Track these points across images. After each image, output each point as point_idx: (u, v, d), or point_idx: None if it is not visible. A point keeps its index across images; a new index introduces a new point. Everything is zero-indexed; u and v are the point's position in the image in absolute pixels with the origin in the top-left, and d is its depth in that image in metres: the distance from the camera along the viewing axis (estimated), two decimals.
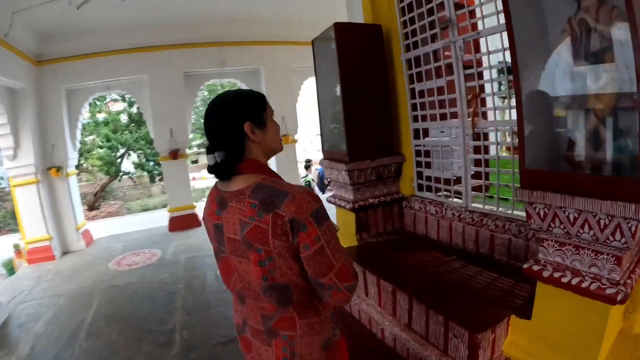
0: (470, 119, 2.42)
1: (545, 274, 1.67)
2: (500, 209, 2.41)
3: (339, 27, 2.88)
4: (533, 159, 1.70)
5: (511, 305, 1.97)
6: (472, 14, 2.38)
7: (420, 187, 3.14)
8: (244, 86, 7.98)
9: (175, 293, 4.42)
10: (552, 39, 1.71)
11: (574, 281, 1.58)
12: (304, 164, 12.27)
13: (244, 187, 1.12)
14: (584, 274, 1.58)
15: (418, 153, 3.08)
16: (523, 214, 2.24)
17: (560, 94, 1.69)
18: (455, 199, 2.77)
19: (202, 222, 1.57)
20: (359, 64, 3.00)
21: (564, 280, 1.61)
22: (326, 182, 12.04)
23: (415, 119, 3.04)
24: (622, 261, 1.48)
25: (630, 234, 1.40)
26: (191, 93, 7.74)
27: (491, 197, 2.52)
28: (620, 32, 1.48)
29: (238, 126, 1.15)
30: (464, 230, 2.66)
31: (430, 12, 2.66)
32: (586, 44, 1.59)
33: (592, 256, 1.56)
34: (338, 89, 3.16)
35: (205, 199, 1.88)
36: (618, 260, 1.48)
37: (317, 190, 12.81)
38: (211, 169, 1.19)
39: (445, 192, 2.88)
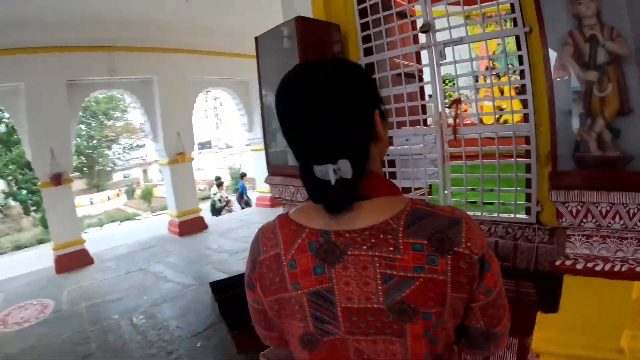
0: (451, 124, 2.49)
1: (579, 266, 1.79)
2: (484, 213, 2.53)
3: (301, 21, 2.60)
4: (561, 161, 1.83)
5: (528, 304, 2.06)
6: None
7: None
8: (134, 99, 6.78)
9: (91, 357, 3.31)
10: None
11: (607, 267, 1.75)
12: (215, 182, 11.49)
13: (386, 219, 0.74)
14: (612, 259, 1.76)
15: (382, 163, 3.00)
16: (508, 216, 2.42)
17: (571, 99, 1.88)
18: None
19: (259, 288, 0.87)
20: None
21: (597, 268, 1.76)
22: (246, 199, 11.23)
23: None
24: None
25: None
26: (75, 106, 6.33)
27: (473, 202, 2.63)
28: (621, 49, 1.73)
29: (369, 117, 0.79)
30: None
31: (403, 15, 2.66)
32: (593, 56, 1.80)
33: (617, 243, 1.75)
34: None
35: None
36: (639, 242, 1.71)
37: (237, 206, 11.82)
38: (326, 193, 0.75)
39: None
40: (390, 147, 2.98)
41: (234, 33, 7.24)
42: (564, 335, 1.89)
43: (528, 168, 2.27)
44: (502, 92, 4.57)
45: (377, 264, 0.71)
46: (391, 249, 0.71)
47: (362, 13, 2.83)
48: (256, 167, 9.48)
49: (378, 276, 0.71)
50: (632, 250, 1.72)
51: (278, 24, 2.76)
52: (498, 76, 7.04)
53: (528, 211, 2.34)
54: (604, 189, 1.68)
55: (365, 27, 2.84)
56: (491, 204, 2.51)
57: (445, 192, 2.60)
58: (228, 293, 3.69)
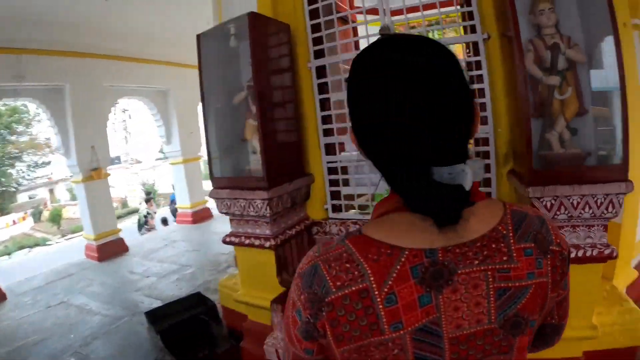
0: None
1: None
2: None
3: (255, 18, 2.35)
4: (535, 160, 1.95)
5: None
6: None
7: (335, 208, 2.95)
8: (43, 109, 5.83)
9: None
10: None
11: (580, 254, 1.91)
12: (145, 197, 10.08)
13: (494, 225, 0.64)
14: (582, 246, 1.93)
15: (331, 171, 2.90)
16: None
17: (534, 101, 2.02)
18: None
19: (330, 336, 0.64)
20: (272, 67, 2.57)
21: (572, 256, 1.92)
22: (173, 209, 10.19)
23: (327, 132, 2.85)
24: (607, 228, 1.92)
25: (620, 205, 1.83)
26: None
27: None
28: (578, 56, 1.94)
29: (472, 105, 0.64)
30: None
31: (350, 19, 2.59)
32: (554, 62, 1.97)
33: (586, 231, 1.93)
34: (240, 96, 2.60)
35: None
36: (605, 227, 1.91)
37: (159, 225, 10.78)
38: (444, 201, 0.58)
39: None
40: (344, 153, 2.91)
41: (154, 38, 6.53)
42: None
43: (487, 168, 2.39)
44: None
45: (491, 279, 0.61)
46: (505, 258, 0.62)
47: (313, 14, 2.70)
48: (176, 182, 8.64)
49: (491, 292, 0.61)
50: (599, 236, 1.91)
51: (225, 21, 2.47)
52: None
53: None
54: (576, 183, 1.82)
55: (316, 28, 2.72)
56: None
57: None
58: (168, 322, 3.14)
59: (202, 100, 2.68)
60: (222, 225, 7.18)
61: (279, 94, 2.64)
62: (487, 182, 2.41)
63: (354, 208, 2.95)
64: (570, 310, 0.79)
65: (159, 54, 7.16)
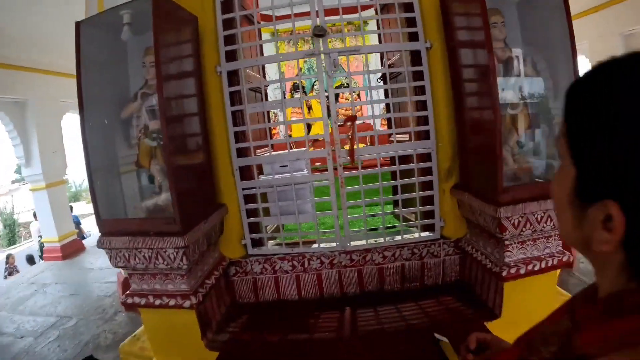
0: (346, 146, 2.20)
1: (522, 271, 1.87)
2: (387, 238, 2.34)
3: (160, 2, 1.71)
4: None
5: (465, 317, 2.01)
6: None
7: (256, 243, 2.42)
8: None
9: None
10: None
11: (543, 265, 1.89)
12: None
13: None
14: (542, 257, 1.92)
15: (248, 199, 2.37)
16: (411, 236, 2.33)
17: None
18: (322, 244, 2.37)
19: None
20: (177, 70, 1.95)
21: (536, 268, 1.88)
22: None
23: (241, 153, 2.32)
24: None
25: None
26: None
27: (374, 229, 2.39)
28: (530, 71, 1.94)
29: None
30: (340, 276, 2.33)
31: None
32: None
33: (545, 242, 1.93)
34: (131, 108, 1.91)
35: None
36: (560, 236, 1.95)
37: (23, 265, 8.09)
38: None
39: (303, 240, 2.39)
40: (263, 177, 2.44)
41: (11, 38, 5.05)
42: (508, 333, 1.93)
43: (429, 185, 2.26)
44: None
45: None
46: None
47: (227, 7, 2.18)
48: (39, 211, 6.85)
49: None
50: (556, 245, 1.94)
51: (114, 6, 1.75)
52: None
53: (431, 228, 2.34)
54: (541, 199, 1.79)
55: (229, 25, 2.20)
56: (393, 227, 2.38)
57: (341, 222, 2.29)
58: None
59: (81, 112, 1.88)
60: (98, 258, 6.22)
61: (184, 105, 2.03)
62: (428, 199, 2.28)
63: (279, 242, 2.49)
64: (531, 317, 0.72)
65: (16, 58, 5.65)
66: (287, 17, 2.17)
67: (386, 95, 2.55)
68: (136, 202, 1.99)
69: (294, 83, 7.60)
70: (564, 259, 1.91)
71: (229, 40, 2.23)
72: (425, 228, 2.33)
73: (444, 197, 2.27)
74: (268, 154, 2.51)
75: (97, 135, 2.00)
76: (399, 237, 2.33)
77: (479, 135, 1.94)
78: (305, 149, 2.29)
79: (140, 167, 1.97)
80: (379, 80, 3.00)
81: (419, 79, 2.15)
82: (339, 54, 2.13)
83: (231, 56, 2.25)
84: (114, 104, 1.97)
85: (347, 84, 6.48)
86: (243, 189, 2.34)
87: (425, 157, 2.24)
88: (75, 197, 18.55)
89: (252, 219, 2.37)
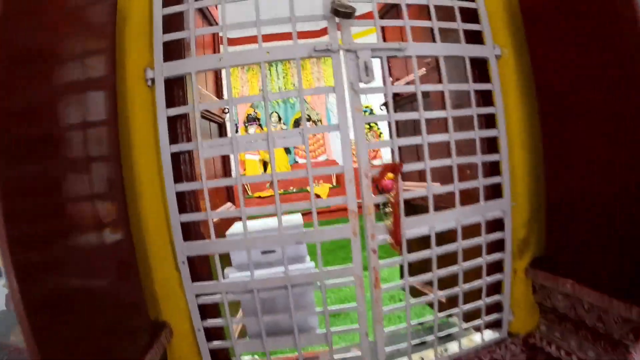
0: (386, 220, 1.30)
1: None
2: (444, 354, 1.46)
3: None
4: None
5: None
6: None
7: None
8: None
9: None
10: None
11: None
12: None
13: None
14: None
15: (207, 311, 1.31)
16: (470, 344, 1.50)
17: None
18: None
19: None
20: (65, 71, 0.91)
21: None
22: None
23: (190, 230, 1.27)
24: None
25: None
26: None
27: (422, 343, 1.50)
28: None
29: None
30: None
31: None
32: None
33: None
34: None
35: None
36: None
37: None
38: None
39: None
40: (232, 273, 1.42)
41: None
42: None
43: (496, 266, 1.48)
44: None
45: None
46: None
47: None
48: None
49: None
50: None
51: None
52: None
53: (497, 325, 1.55)
54: None
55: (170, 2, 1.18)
56: (448, 336, 1.52)
57: (371, 337, 1.37)
58: None
59: None
60: None
61: (80, 141, 0.98)
62: (494, 287, 1.49)
63: None
64: None
65: None
66: None
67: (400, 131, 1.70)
68: None
69: (248, 114, 6.19)
70: None
71: (172, 23, 1.20)
72: (487, 326, 1.54)
73: (515, 280, 1.51)
74: (235, 227, 1.49)
75: None
76: (454, 348, 1.49)
77: (605, 179, 1.21)
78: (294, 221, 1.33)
79: None
80: (382, 108, 2.13)
81: (484, 102, 1.37)
82: (372, 53, 1.23)
83: (173, 52, 1.22)
84: None
85: (371, 109, 5.43)
86: (197, 296, 1.29)
87: (494, 225, 1.45)
88: None
89: (216, 344, 1.33)
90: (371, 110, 5.35)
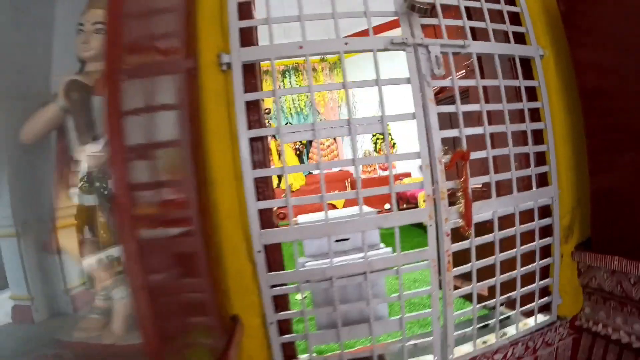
0: (458, 204, 1.34)
1: None
2: (502, 337, 1.50)
3: None
4: None
5: None
6: None
7: None
8: None
9: None
10: None
11: None
12: None
13: None
14: None
15: (278, 303, 1.28)
16: (525, 325, 1.56)
17: None
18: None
19: None
20: (150, 45, 0.92)
21: None
22: None
23: (266, 218, 1.24)
24: None
25: None
26: None
27: (485, 325, 1.52)
28: None
29: None
30: None
31: None
32: None
33: None
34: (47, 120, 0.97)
35: None
36: None
37: None
38: None
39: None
40: (308, 262, 1.40)
41: None
42: None
43: (545, 251, 1.56)
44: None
45: None
46: None
47: None
48: None
49: None
50: None
51: None
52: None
53: (547, 309, 1.62)
54: None
55: None
56: (507, 317, 1.57)
57: (441, 320, 1.40)
58: None
59: None
60: None
61: (158, 120, 0.97)
62: (544, 271, 1.57)
63: None
64: None
65: None
66: None
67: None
68: None
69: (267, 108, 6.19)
70: None
71: (241, 11, 1.22)
72: (538, 311, 1.60)
73: (561, 265, 1.60)
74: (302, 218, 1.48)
75: None
76: (512, 331, 1.54)
77: None
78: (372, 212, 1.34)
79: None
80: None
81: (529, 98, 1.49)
82: (441, 49, 1.31)
83: (245, 39, 1.24)
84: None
85: None
86: (271, 287, 1.26)
87: (541, 212, 1.54)
88: None
89: (287, 337, 1.29)
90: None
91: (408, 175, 6.20)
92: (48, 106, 1.08)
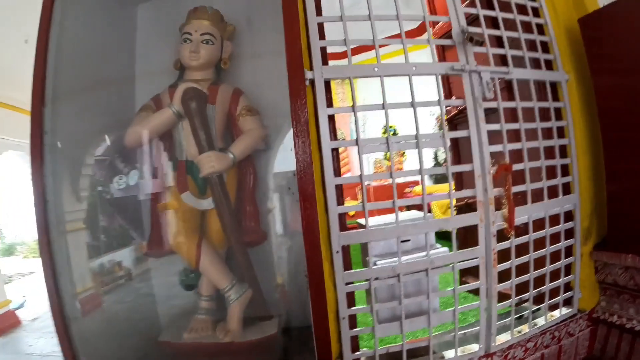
0: (503, 209, 1.54)
1: None
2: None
3: None
4: None
5: None
6: None
7: None
8: None
9: None
10: None
11: None
12: None
13: None
14: None
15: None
16: (552, 317, 1.77)
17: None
18: (460, 351, 1.56)
19: None
20: None
21: None
22: None
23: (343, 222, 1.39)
24: None
25: None
26: None
27: (520, 316, 1.72)
28: None
29: None
30: None
31: None
32: None
33: None
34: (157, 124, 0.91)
35: None
36: None
37: None
38: None
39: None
40: (379, 261, 1.55)
41: None
42: None
43: (568, 251, 1.79)
44: None
45: None
46: None
47: None
48: None
49: None
50: None
51: None
52: None
53: (569, 302, 1.83)
54: None
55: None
56: (538, 309, 1.78)
57: (487, 314, 1.58)
58: None
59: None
60: (39, 338, 3.65)
61: None
62: (567, 269, 1.79)
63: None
64: None
65: None
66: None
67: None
68: None
69: None
70: None
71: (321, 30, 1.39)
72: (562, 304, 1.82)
73: (581, 263, 1.82)
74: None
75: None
76: (542, 322, 1.74)
77: None
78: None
79: None
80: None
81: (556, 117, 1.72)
82: (491, 75, 1.52)
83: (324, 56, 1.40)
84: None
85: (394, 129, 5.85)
86: (346, 284, 1.41)
87: (565, 216, 1.76)
88: (9, 251, 11.61)
89: (356, 331, 1.44)
90: (394, 130, 5.78)
91: (417, 183, 6.46)
92: (162, 111, 1.16)
